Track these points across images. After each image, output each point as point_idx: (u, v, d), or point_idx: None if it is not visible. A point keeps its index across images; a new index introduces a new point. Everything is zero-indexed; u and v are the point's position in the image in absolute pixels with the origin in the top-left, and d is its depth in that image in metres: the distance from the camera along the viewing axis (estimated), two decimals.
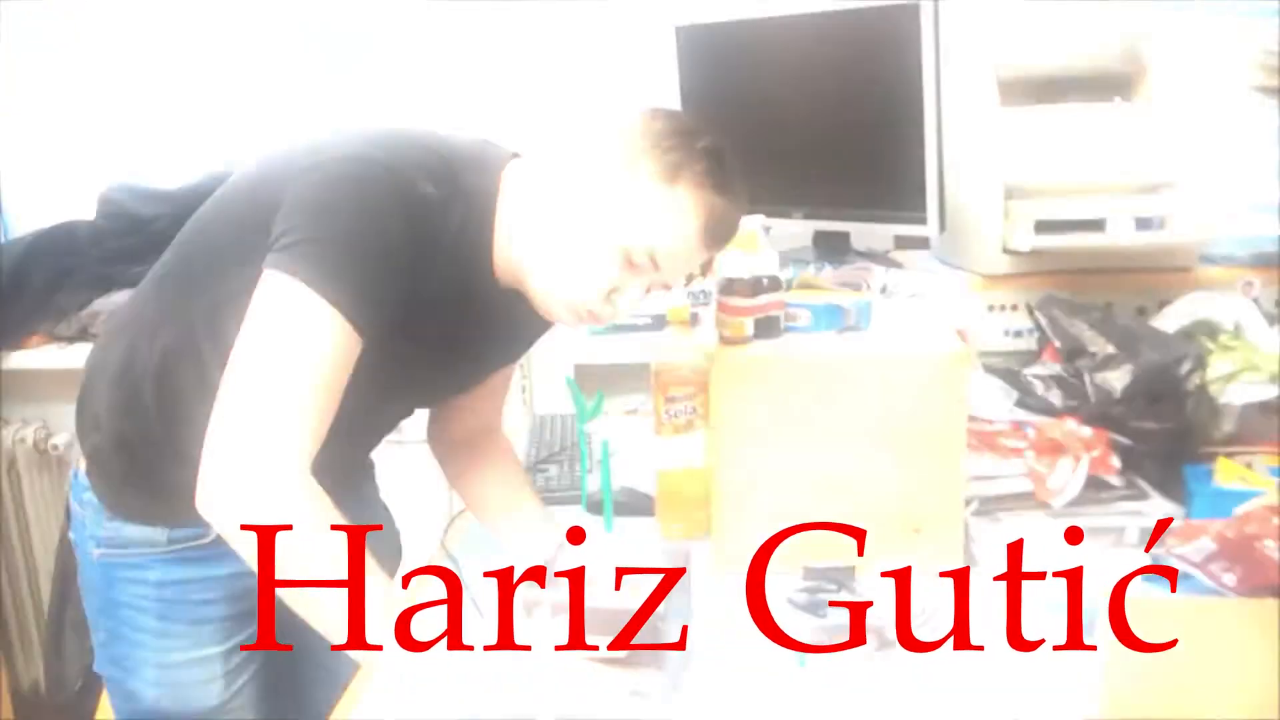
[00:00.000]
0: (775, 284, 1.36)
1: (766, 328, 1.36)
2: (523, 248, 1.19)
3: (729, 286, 1.34)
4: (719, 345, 1.36)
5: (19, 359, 2.43)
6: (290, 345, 1.05)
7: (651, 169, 1.14)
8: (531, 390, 2.29)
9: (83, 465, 1.30)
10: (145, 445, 1.23)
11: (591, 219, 1.16)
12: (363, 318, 1.07)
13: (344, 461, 1.32)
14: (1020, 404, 1.52)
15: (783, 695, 1.14)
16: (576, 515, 1.53)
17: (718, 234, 1.19)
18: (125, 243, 2.34)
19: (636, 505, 1.59)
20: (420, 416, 1.50)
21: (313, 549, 1.05)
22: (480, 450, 1.48)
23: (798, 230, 1.98)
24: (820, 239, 1.94)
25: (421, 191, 1.11)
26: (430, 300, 1.18)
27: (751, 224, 1.47)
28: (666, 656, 1.12)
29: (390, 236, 1.09)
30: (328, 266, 1.06)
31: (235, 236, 1.14)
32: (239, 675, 1.32)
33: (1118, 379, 1.44)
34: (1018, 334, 1.72)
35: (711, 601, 1.30)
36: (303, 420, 1.06)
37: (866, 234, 1.93)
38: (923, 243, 1.95)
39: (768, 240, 1.46)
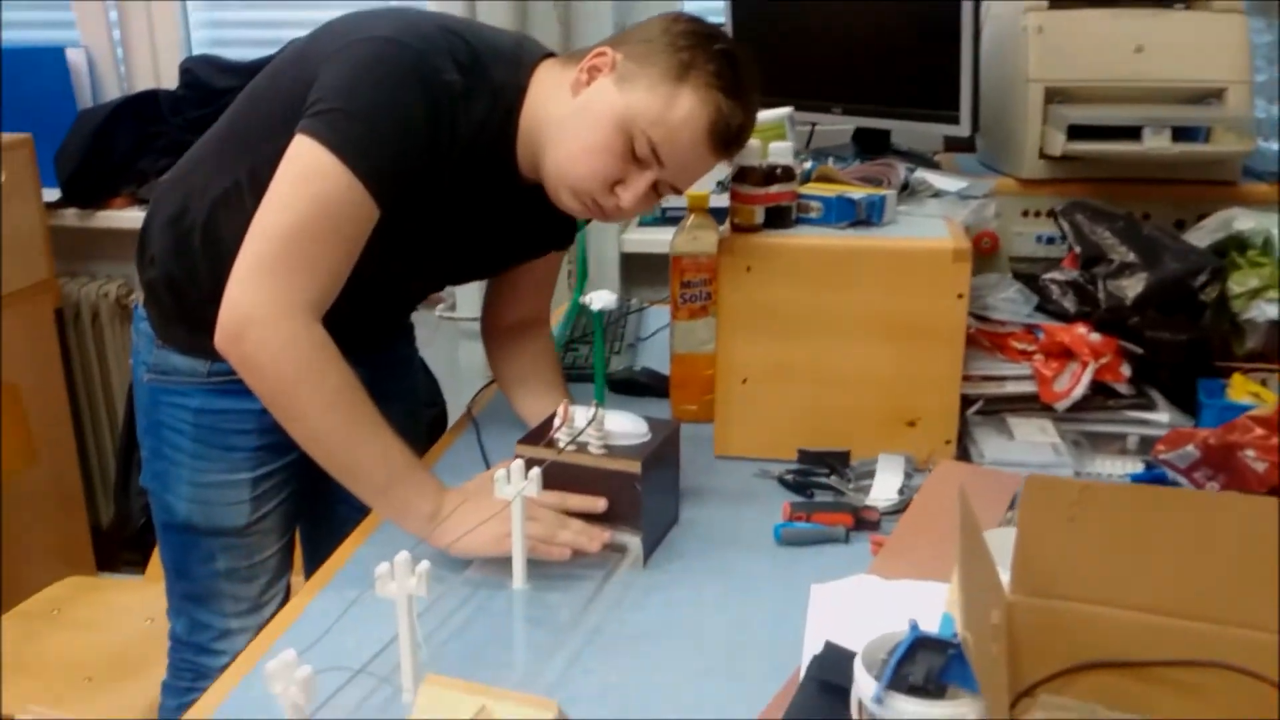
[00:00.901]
0: (789, 174, 1.37)
1: (778, 217, 1.37)
2: (540, 138, 1.25)
3: (742, 174, 1.36)
4: (729, 232, 1.39)
5: (104, 218, 2.57)
6: (308, 203, 1.15)
7: (664, 64, 1.20)
8: (578, 275, 2.34)
9: (140, 298, 1.41)
10: (192, 285, 1.33)
11: (598, 107, 1.21)
12: (377, 185, 1.16)
13: (372, 322, 1.42)
14: (1039, 308, 1.52)
15: (757, 567, 1.19)
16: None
17: (725, 137, 1.22)
18: (201, 112, 2.43)
19: (657, 386, 1.66)
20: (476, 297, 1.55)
21: (313, 390, 1.14)
22: (522, 335, 1.55)
23: (843, 127, 1.98)
24: (861, 136, 1.93)
25: (446, 79, 1.19)
26: (451, 185, 1.25)
27: (778, 114, 1.49)
28: (645, 521, 1.18)
29: (410, 115, 1.17)
30: (349, 135, 1.15)
31: (280, 104, 1.23)
32: (266, 501, 1.41)
33: (1131, 287, 1.44)
34: (1050, 240, 1.71)
35: (701, 480, 1.36)
36: (313, 271, 1.16)
37: (913, 133, 1.91)
38: (970, 145, 1.94)
39: (794, 132, 1.48)
